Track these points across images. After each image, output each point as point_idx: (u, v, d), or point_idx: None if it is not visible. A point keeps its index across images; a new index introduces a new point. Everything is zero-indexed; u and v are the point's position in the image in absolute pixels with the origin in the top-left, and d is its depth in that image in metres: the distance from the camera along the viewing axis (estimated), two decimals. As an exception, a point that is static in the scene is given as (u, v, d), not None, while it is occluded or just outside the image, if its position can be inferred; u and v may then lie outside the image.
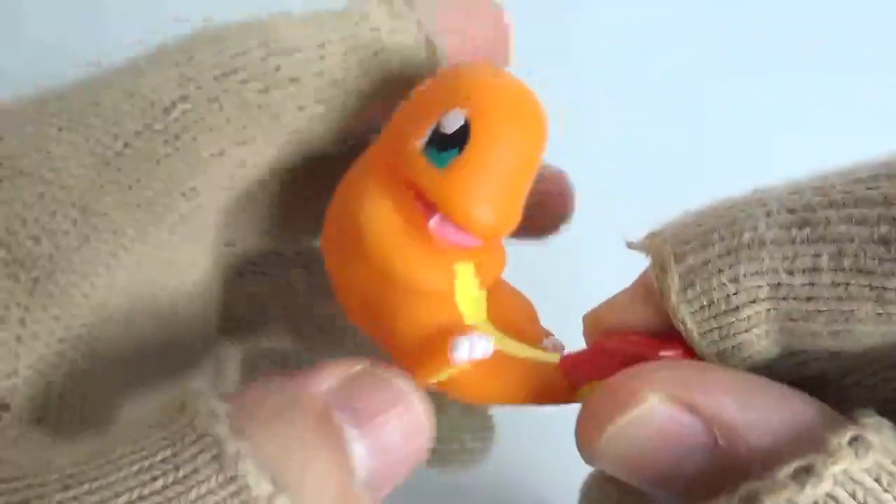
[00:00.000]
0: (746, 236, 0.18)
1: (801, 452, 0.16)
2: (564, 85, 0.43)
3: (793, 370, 0.19)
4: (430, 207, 0.19)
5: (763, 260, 0.18)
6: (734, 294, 0.18)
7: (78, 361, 0.21)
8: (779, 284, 0.18)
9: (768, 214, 0.18)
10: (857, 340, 0.18)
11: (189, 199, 0.20)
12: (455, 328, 0.20)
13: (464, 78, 0.20)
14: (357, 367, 0.19)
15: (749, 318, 0.18)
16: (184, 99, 0.20)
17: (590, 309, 0.22)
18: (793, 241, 0.17)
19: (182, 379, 0.25)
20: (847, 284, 0.17)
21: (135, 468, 0.16)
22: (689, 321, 0.19)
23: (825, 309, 0.17)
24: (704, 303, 0.18)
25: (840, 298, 0.17)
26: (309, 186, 0.24)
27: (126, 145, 0.20)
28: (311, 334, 0.27)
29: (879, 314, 0.17)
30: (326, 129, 0.21)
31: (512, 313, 0.22)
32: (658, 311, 0.19)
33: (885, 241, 0.17)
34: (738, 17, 0.46)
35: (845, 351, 0.19)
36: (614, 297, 0.21)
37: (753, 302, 0.18)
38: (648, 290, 0.20)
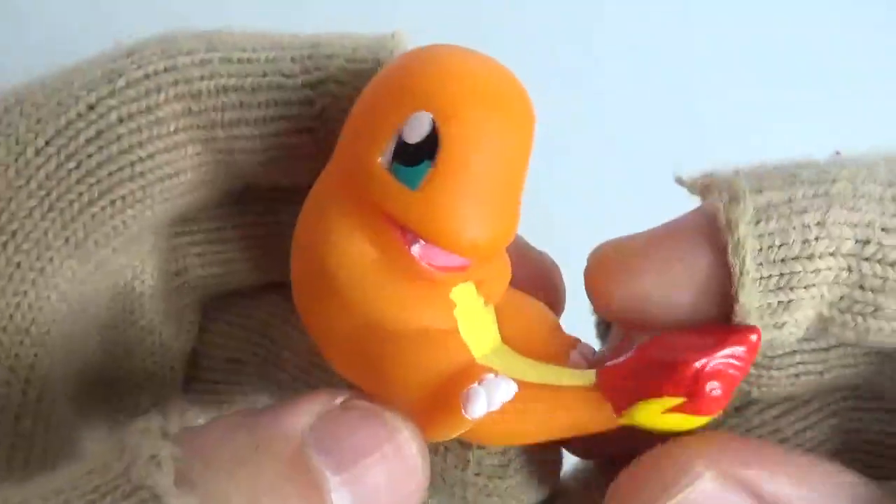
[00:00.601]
0: (840, 185, 0.16)
1: None
2: (569, 87, 0.43)
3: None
4: (408, 233, 0.16)
5: (858, 211, 0.16)
6: (815, 239, 0.16)
7: (27, 385, 0.19)
8: (868, 241, 0.16)
9: (867, 168, 0.16)
10: None
11: (120, 211, 0.19)
12: (465, 375, 0.16)
13: (421, 71, 0.16)
14: (338, 399, 0.17)
15: (819, 271, 0.16)
16: (112, 94, 0.18)
17: (601, 243, 0.18)
18: (894, 199, 0.16)
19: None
20: None
21: None
22: (749, 260, 0.16)
23: None
24: (777, 242, 0.16)
25: None
26: (265, 217, 0.22)
27: (48, 143, 0.18)
28: (292, 387, 0.23)
29: None
30: (265, 156, 0.19)
31: (529, 326, 0.19)
32: (711, 247, 0.16)
33: None
34: (736, 19, 0.46)
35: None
36: (642, 234, 0.18)
37: (833, 255, 0.16)
38: (701, 224, 0.17)
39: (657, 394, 0.16)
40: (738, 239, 0.16)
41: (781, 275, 0.16)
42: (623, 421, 0.17)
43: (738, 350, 0.16)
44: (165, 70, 0.19)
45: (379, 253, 0.16)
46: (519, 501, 0.19)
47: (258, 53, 0.19)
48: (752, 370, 0.19)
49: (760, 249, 0.16)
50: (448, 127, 0.16)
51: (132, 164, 0.19)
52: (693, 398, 0.16)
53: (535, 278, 0.20)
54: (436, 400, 0.16)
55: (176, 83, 0.19)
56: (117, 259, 0.20)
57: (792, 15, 0.46)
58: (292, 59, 0.19)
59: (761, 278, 0.16)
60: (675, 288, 0.17)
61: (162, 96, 0.19)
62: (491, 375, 0.16)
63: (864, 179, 0.16)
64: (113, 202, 0.19)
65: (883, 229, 0.16)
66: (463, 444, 0.19)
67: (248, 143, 0.19)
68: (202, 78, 0.19)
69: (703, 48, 0.45)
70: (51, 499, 0.14)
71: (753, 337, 0.16)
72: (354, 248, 0.16)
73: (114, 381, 0.22)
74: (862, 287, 0.16)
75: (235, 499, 0.15)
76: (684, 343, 0.16)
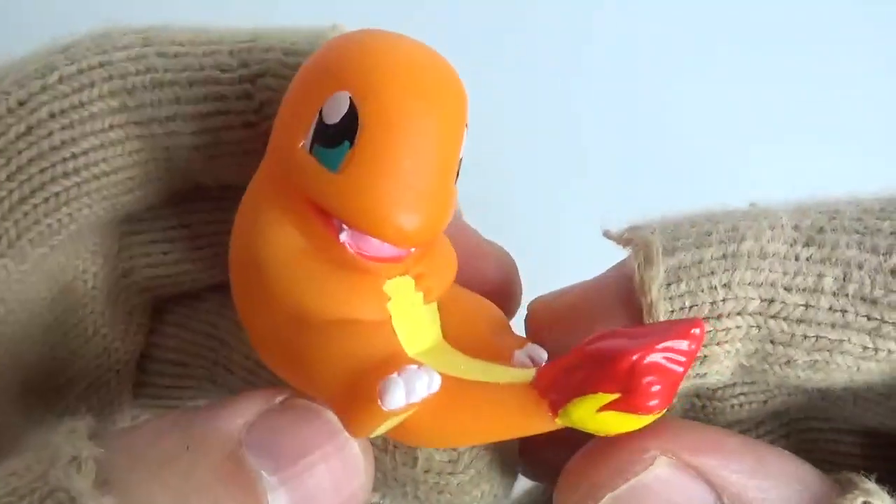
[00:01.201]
0: (747, 244, 0.17)
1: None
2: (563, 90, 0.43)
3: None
4: (334, 219, 0.16)
5: (762, 271, 0.17)
6: (722, 300, 0.17)
7: None
8: (772, 300, 0.17)
9: (772, 227, 0.17)
10: (828, 376, 0.17)
11: (55, 209, 0.18)
12: (386, 365, 0.15)
13: (341, 52, 0.16)
14: (279, 397, 0.16)
15: (729, 330, 0.17)
16: (43, 89, 0.18)
17: (538, 298, 0.19)
18: (797, 258, 0.17)
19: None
20: (845, 311, 0.16)
21: None
22: (660, 311, 0.17)
23: (814, 335, 0.17)
24: (687, 304, 0.17)
25: (834, 325, 0.17)
26: (214, 216, 0.21)
27: None
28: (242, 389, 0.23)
29: (867, 348, 0.17)
30: (205, 152, 0.19)
31: (473, 324, 0.18)
32: (627, 308, 0.17)
33: (893, 273, 0.16)
34: (734, 21, 0.46)
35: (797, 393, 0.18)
36: (573, 289, 0.19)
37: (740, 314, 0.17)
38: (621, 284, 0.18)
39: (592, 389, 0.15)
40: (651, 301, 0.17)
41: None
42: (559, 421, 0.16)
43: (679, 344, 0.15)
44: (100, 65, 0.18)
45: (307, 241, 0.16)
46: (472, 498, 0.19)
47: (195, 47, 0.19)
48: (696, 400, 0.20)
49: (672, 311, 0.17)
50: (366, 105, 0.15)
51: (64, 160, 0.18)
52: (629, 393, 0.15)
53: (488, 274, 0.20)
54: (354, 390, 0.15)
55: (110, 78, 0.18)
56: (56, 258, 0.19)
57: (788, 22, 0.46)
58: (230, 53, 0.19)
59: None
60: None
61: (95, 91, 0.18)
62: (413, 367, 0.15)
63: (770, 238, 0.17)
64: (46, 199, 0.18)
65: (785, 288, 0.17)
66: None
67: (186, 139, 0.19)
68: (137, 73, 0.18)
69: (697, 55, 0.45)
70: None
71: (696, 331, 0.15)
72: (281, 237, 0.16)
73: (60, 385, 0.21)
74: (772, 342, 0.17)
75: (161, 499, 0.14)
76: (623, 338, 0.16)
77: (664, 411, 0.15)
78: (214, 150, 0.19)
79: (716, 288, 0.17)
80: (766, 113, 0.44)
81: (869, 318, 0.16)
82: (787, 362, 0.17)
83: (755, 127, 0.44)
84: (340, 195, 0.15)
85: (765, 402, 0.20)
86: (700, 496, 0.16)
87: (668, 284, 0.17)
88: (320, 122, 0.15)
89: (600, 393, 0.15)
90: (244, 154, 0.19)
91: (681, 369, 0.15)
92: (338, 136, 0.15)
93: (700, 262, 0.17)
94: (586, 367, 0.15)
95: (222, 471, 0.15)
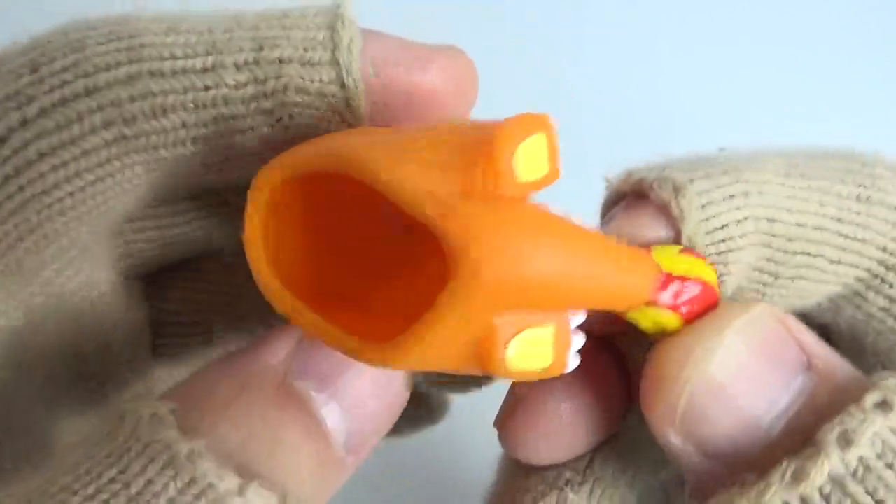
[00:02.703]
0: (748, 174, 0.18)
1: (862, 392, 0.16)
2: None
3: None
4: None
5: (765, 195, 0.18)
6: (743, 220, 0.18)
7: None
8: (773, 220, 0.18)
9: (765, 161, 0.19)
10: (801, 295, 0.19)
11: (52, 241, 0.18)
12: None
13: None
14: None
15: (746, 234, 0.18)
16: (24, 124, 0.17)
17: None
18: (790, 187, 0.18)
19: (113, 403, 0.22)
20: (823, 229, 0.18)
21: (78, 499, 0.15)
22: (700, 238, 0.18)
23: (801, 251, 0.19)
24: (717, 224, 0.18)
25: (814, 242, 0.19)
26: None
27: None
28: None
29: (833, 262, 0.19)
30: (218, 167, 0.18)
31: None
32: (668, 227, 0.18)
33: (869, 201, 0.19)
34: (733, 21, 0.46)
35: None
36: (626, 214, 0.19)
37: (754, 233, 0.18)
38: (659, 210, 0.18)
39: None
40: (690, 228, 0.18)
41: (719, 253, 0.18)
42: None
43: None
44: (86, 93, 0.17)
45: None
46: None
47: (192, 61, 0.17)
48: None
49: (708, 233, 0.18)
50: None
51: (60, 199, 0.17)
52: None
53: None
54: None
55: (101, 108, 0.17)
56: (61, 275, 0.19)
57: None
58: (237, 68, 0.17)
59: (713, 244, 0.18)
60: None
61: (86, 125, 0.17)
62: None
63: (764, 169, 0.18)
64: (45, 235, 0.18)
65: (785, 209, 0.18)
66: None
67: (195, 159, 0.18)
68: (132, 99, 0.17)
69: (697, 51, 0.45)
70: (68, 475, 0.15)
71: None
72: None
73: (79, 377, 0.21)
74: (767, 259, 0.19)
75: (233, 435, 0.16)
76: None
77: None
78: (226, 164, 0.18)
79: (738, 208, 0.18)
80: (766, 106, 0.44)
81: (839, 235, 0.19)
82: (776, 278, 0.19)
83: (755, 125, 0.43)
84: None
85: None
86: (791, 341, 0.17)
87: (702, 206, 0.18)
88: None
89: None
90: (260, 161, 0.18)
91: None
92: None
93: (719, 186, 0.18)
94: None
95: (277, 400, 0.16)
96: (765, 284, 0.19)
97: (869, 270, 0.19)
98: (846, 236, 0.19)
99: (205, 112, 0.17)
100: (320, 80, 0.17)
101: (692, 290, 0.17)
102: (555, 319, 0.16)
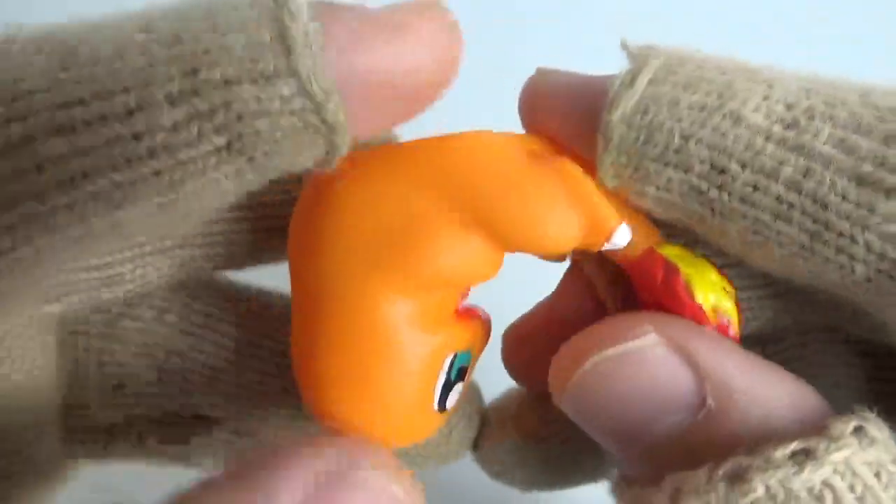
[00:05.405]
0: (730, 105, 0.16)
1: (798, 434, 0.15)
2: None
3: None
4: None
5: (727, 137, 0.16)
6: (675, 151, 0.16)
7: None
8: (723, 171, 0.16)
9: (766, 98, 0.16)
10: (766, 260, 0.17)
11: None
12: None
13: None
14: (320, 460, 0.14)
15: (668, 180, 0.16)
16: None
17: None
18: (768, 138, 0.16)
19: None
20: (791, 206, 0.15)
21: None
22: (615, 134, 0.16)
23: (752, 217, 0.16)
24: (642, 138, 0.16)
25: (777, 216, 0.16)
26: None
27: None
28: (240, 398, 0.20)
29: (804, 247, 0.16)
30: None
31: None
32: (587, 118, 0.17)
33: (859, 180, 0.15)
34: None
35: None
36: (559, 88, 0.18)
37: (687, 171, 0.16)
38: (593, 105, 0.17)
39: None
40: (611, 121, 0.16)
41: (635, 167, 0.16)
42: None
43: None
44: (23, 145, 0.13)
45: None
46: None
47: (107, 103, 0.13)
48: None
49: (622, 138, 0.16)
50: None
51: None
52: None
53: None
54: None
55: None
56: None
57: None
58: (169, 102, 0.13)
59: (618, 164, 0.17)
60: None
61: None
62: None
63: (755, 107, 0.16)
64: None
65: (740, 163, 0.16)
66: None
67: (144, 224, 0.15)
68: (39, 169, 0.13)
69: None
70: None
71: None
72: None
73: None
74: (712, 209, 0.16)
75: None
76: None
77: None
78: (186, 219, 0.16)
79: (674, 135, 0.16)
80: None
81: (814, 221, 0.15)
82: (723, 233, 0.17)
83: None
84: None
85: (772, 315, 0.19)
86: (682, 376, 0.16)
87: (636, 113, 0.16)
88: None
89: None
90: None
91: None
92: None
93: (676, 104, 0.16)
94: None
95: None
96: (711, 234, 0.17)
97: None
98: (825, 226, 0.16)
99: (142, 166, 0.13)
100: (280, 97, 0.13)
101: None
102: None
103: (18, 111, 0.13)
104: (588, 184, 0.17)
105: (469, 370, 0.19)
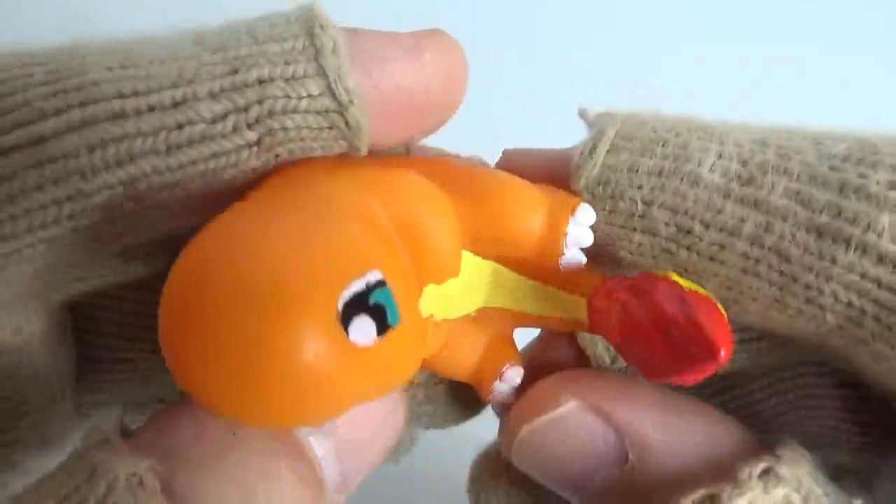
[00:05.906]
0: (687, 167, 0.16)
1: (710, 481, 0.16)
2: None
3: None
4: None
5: (687, 199, 0.16)
6: (640, 217, 0.17)
7: None
8: (689, 231, 0.16)
9: (720, 155, 0.16)
10: (745, 314, 0.17)
11: None
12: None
13: None
14: None
15: (639, 245, 0.17)
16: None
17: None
18: (727, 196, 0.16)
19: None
20: (758, 261, 0.16)
21: None
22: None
23: (724, 274, 0.16)
24: (607, 208, 0.17)
25: (745, 272, 0.16)
26: None
27: None
28: None
29: (777, 301, 0.16)
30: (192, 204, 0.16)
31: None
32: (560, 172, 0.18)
33: (818, 232, 0.15)
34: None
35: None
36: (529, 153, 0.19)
37: (655, 235, 0.17)
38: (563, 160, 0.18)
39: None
40: (578, 191, 0.17)
41: (608, 235, 0.17)
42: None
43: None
44: (30, 144, 0.15)
45: None
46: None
47: (157, 96, 0.15)
48: None
49: (590, 200, 0.17)
50: None
51: None
52: None
53: None
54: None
55: (52, 161, 0.15)
56: None
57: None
58: (212, 96, 0.15)
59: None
60: None
61: (30, 181, 0.14)
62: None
63: (711, 167, 0.16)
64: None
65: (703, 223, 0.16)
66: None
67: (176, 205, 0.16)
68: (91, 149, 0.15)
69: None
70: None
71: None
72: None
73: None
74: (685, 269, 0.17)
75: (231, 492, 0.14)
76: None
77: None
78: (209, 206, 0.16)
79: (636, 202, 0.17)
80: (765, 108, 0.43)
81: (781, 274, 0.16)
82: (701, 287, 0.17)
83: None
84: None
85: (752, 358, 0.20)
86: (602, 434, 0.17)
87: (599, 183, 0.17)
88: None
89: None
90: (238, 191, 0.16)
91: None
92: None
93: (635, 170, 0.17)
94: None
95: (274, 447, 0.15)
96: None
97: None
98: (792, 278, 0.16)
99: (180, 154, 0.15)
100: (309, 95, 0.15)
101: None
102: None
103: (83, 98, 0.15)
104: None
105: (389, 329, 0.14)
